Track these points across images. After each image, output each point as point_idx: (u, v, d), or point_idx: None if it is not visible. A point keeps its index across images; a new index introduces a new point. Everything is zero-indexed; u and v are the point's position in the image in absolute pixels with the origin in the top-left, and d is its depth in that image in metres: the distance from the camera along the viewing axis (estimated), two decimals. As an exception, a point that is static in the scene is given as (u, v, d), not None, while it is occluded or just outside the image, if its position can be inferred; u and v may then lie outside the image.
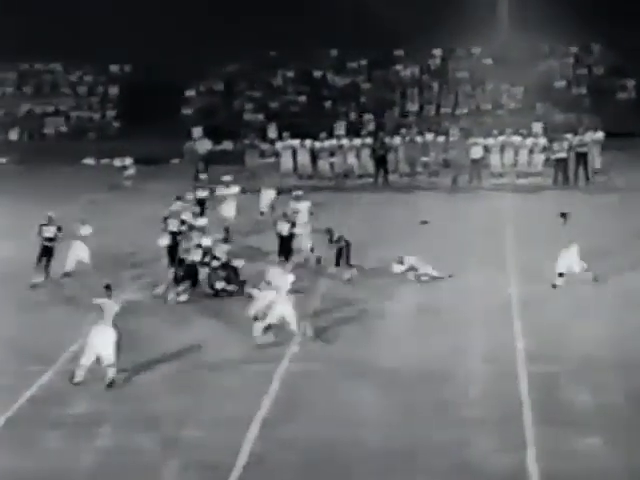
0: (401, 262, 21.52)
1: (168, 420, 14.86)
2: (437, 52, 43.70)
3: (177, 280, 20.49)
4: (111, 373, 16.20)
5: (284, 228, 22.40)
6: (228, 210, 25.94)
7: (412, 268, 21.43)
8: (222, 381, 16.34)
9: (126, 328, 16.80)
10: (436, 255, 21.87)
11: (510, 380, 16.06)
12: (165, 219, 22.61)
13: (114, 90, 43.96)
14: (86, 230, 22.27)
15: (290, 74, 43.74)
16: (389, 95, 42.23)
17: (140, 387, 16.17)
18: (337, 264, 21.85)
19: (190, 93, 42.91)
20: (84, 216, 23.08)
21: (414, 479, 13.17)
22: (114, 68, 44.65)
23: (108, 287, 16.87)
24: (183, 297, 20.31)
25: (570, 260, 20.48)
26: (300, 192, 25.03)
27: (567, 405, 15.08)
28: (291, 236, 22.33)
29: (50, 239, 21.76)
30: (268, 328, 17.79)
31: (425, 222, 26.44)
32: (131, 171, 33.34)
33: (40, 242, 21.77)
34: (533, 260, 22.27)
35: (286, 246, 22.25)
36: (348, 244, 21.91)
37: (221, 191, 26.48)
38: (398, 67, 43.28)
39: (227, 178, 27.33)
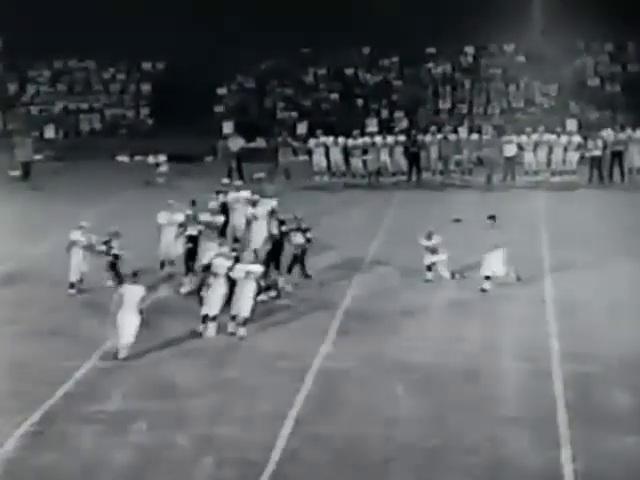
0: (429, 237, 21.13)
1: (201, 417, 14.89)
2: (469, 49, 43.36)
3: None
4: (125, 353, 17.00)
5: (273, 226, 21.73)
6: (238, 218, 24.03)
7: (434, 249, 21.02)
8: (255, 378, 16.33)
9: (157, 325, 16.81)
10: (469, 253, 21.74)
11: (544, 379, 15.97)
12: (181, 225, 21.83)
13: (146, 87, 44.12)
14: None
15: (322, 72, 43.63)
16: (421, 93, 42.02)
17: (173, 384, 16.19)
18: (290, 270, 21.21)
19: (222, 91, 42.93)
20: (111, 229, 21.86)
21: (447, 477, 13.11)
22: (146, 66, 44.81)
23: (135, 274, 17.53)
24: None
25: (495, 263, 20.36)
26: (256, 197, 23.42)
27: (603, 405, 14.97)
28: (282, 234, 21.53)
29: (116, 255, 21.13)
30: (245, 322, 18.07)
31: (458, 220, 26.30)
32: (164, 168, 33.43)
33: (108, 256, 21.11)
34: (568, 259, 22.13)
35: (277, 244, 21.51)
36: (308, 243, 21.25)
37: (230, 196, 24.41)
38: (430, 65, 43.04)
39: (260, 175, 27.16)
